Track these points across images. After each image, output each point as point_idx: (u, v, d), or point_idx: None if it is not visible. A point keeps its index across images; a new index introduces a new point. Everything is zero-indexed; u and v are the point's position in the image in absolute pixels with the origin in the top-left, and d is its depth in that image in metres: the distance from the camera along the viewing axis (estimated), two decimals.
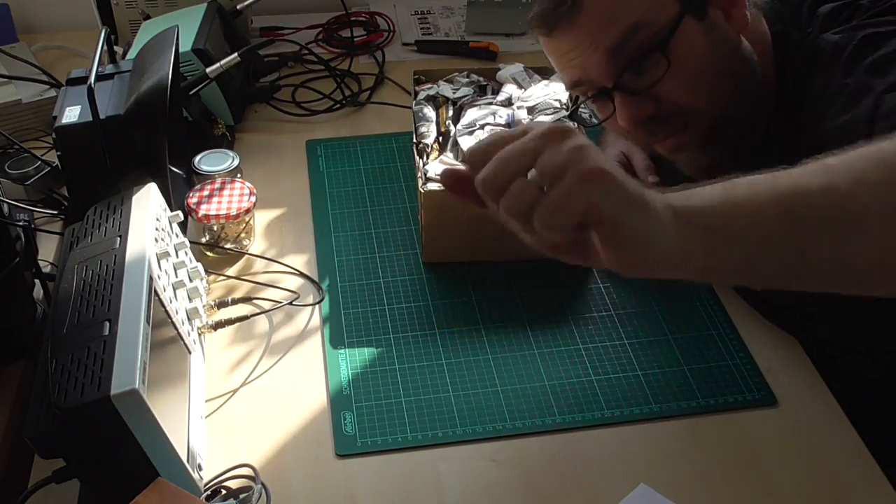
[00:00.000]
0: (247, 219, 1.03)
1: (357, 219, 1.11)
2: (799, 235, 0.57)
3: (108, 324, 0.70)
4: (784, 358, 0.93)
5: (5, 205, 0.89)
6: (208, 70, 1.15)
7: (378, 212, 1.12)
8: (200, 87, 1.16)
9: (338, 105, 1.32)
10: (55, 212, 1.05)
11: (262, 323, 0.97)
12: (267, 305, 0.98)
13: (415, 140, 1.07)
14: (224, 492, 0.78)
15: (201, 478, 0.76)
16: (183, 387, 0.79)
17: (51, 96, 1.22)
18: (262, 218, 1.10)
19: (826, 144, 0.61)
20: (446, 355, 0.93)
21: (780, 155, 0.62)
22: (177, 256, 0.88)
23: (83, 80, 0.92)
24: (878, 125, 0.71)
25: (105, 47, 0.94)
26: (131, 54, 1.16)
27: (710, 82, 0.82)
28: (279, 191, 1.15)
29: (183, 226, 0.96)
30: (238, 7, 1.37)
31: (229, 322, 0.93)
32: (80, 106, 0.90)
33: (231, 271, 1.03)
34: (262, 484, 0.76)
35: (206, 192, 1.03)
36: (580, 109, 0.94)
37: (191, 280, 0.89)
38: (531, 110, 1.09)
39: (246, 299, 0.99)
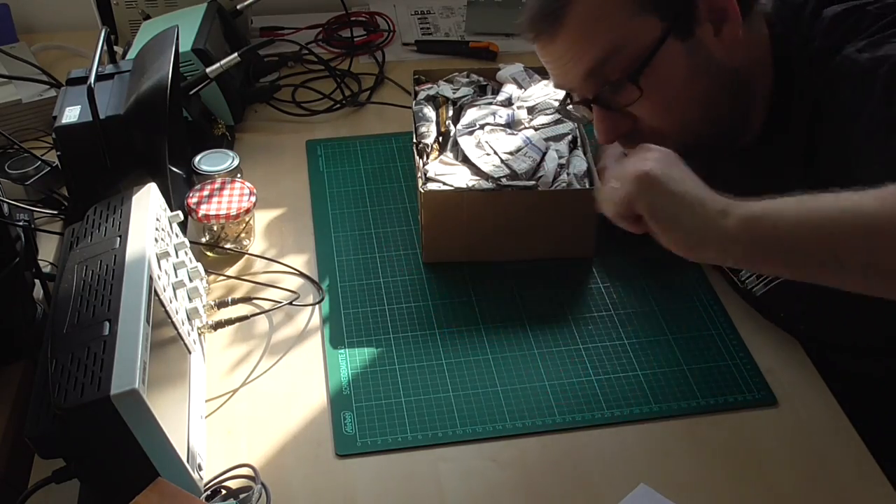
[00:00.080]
0: (247, 219, 1.03)
1: (357, 219, 1.11)
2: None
3: (108, 324, 0.70)
4: (784, 358, 0.93)
5: (5, 205, 0.89)
6: (208, 70, 1.15)
7: (378, 212, 1.12)
8: (200, 87, 1.16)
9: (338, 105, 1.32)
10: (55, 212, 1.05)
11: (262, 323, 0.97)
12: (267, 305, 0.98)
13: (415, 140, 1.07)
14: (224, 492, 0.78)
15: (201, 478, 0.76)
16: (183, 387, 0.79)
17: (51, 96, 1.22)
18: (262, 218, 1.10)
19: (860, 167, 0.68)
20: (446, 355, 0.93)
21: (780, 155, 0.62)
22: (177, 256, 0.88)
23: (83, 80, 0.92)
24: None
25: (105, 47, 0.94)
26: (131, 54, 1.16)
27: (683, 110, 0.83)
28: (279, 191, 1.15)
29: (183, 226, 0.96)
30: (238, 7, 1.37)
31: (229, 322, 0.93)
32: (80, 106, 0.90)
33: (231, 271, 1.03)
34: (262, 484, 0.76)
35: (206, 192, 1.03)
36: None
37: (191, 280, 0.89)
38: (531, 110, 1.09)
39: (246, 299, 0.99)
